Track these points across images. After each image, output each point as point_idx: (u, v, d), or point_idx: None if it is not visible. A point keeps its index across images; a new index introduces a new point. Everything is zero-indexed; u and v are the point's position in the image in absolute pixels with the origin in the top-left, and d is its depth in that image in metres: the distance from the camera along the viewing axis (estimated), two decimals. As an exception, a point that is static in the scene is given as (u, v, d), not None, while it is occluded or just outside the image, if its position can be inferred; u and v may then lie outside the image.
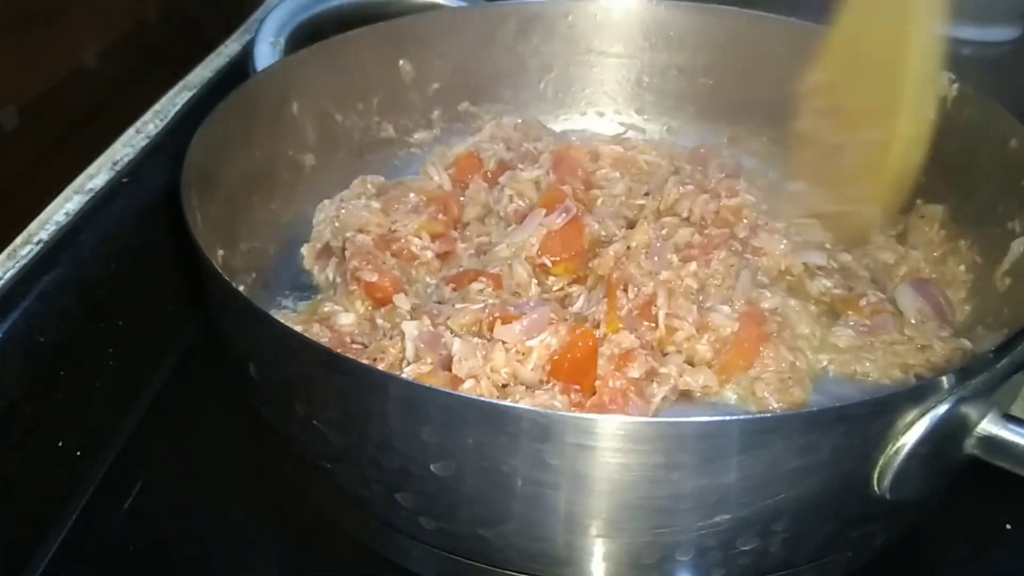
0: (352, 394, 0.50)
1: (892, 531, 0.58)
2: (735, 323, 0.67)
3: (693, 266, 0.71)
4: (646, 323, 0.67)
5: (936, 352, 0.67)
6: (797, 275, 0.74)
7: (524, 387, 0.62)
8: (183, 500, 0.65)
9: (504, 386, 0.62)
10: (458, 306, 0.66)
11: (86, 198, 0.72)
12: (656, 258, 0.71)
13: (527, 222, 0.76)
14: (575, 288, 0.73)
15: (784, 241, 0.75)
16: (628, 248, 0.73)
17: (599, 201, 0.82)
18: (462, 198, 0.82)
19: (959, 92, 0.76)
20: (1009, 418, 0.50)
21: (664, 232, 0.75)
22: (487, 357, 0.62)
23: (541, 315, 0.64)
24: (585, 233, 0.76)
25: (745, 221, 0.76)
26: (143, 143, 0.80)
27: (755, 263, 0.73)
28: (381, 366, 0.63)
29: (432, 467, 0.49)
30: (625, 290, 0.69)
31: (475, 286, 0.70)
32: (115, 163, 0.77)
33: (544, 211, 0.76)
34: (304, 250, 0.78)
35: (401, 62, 0.86)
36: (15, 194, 0.69)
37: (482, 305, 0.66)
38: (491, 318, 0.64)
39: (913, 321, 0.70)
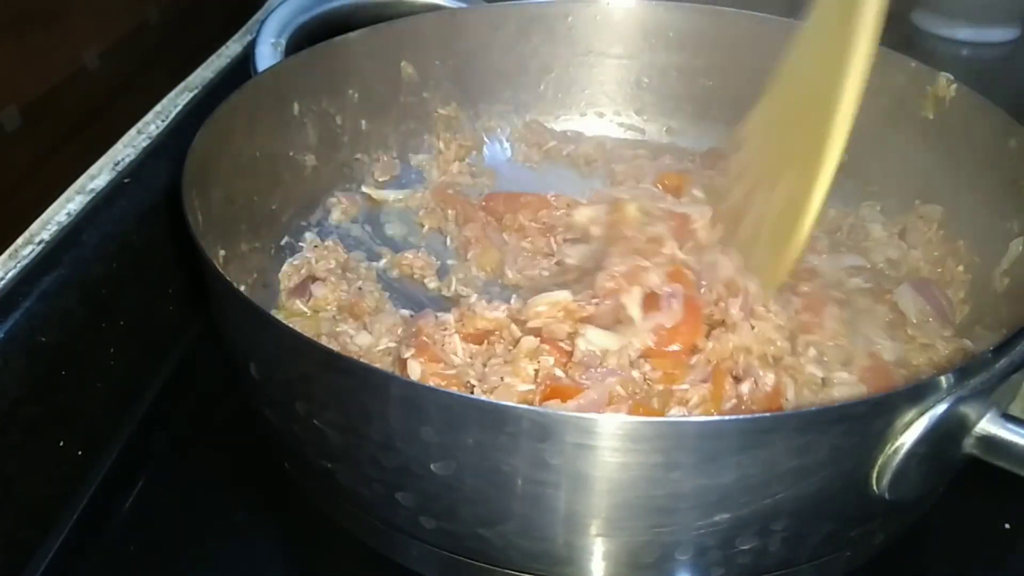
0: (352, 394, 0.50)
1: (891, 530, 0.59)
2: (861, 388, 0.61)
3: (812, 351, 0.62)
4: None
5: (939, 352, 0.67)
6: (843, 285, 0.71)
7: None
8: (183, 500, 0.65)
9: None
10: (507, 380, 0.58)
11: (88, 198, 0.72)
12: (779, 343, 0.62)
13: (635, 327, 0.62)
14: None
15: (826, 257, 0.72)
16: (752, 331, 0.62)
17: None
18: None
19: (957, 92, 0.76)
20: (1008, 418, 0.50)
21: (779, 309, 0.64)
22: None
23: (601, 394, 0.56)
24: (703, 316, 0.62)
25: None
26: (144, 144, 0.80)
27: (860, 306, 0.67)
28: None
29: (432, 467, 0.49)
30: (737, 380, 0.60)
31: (527, 343, 0.59)
32: (116, 163, 0.77)
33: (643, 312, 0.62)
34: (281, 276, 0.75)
35: (402, 63, 0.86)
36: (16, 194, 0.69)
37: (531, 388, 0.58)
38: (544, 387, 0.57)
39: (915, 321, 0.70)
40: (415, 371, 0.58)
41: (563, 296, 0.63)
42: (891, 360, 0.66)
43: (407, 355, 0.59)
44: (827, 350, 0.64)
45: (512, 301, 0.66)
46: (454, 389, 0.57)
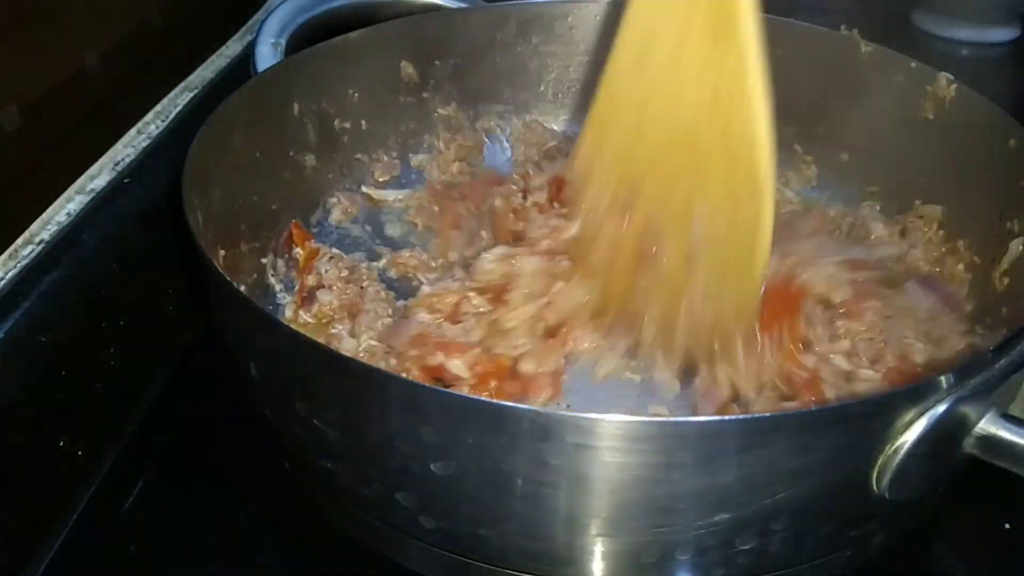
0: (352, 394, 0.50)
1: (891, 530, 0.59)
2: (884, 388, 0.62)
3: (847, 343, 0.63)
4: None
5: (956, 347, 0.66)
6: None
7: None
8: (183, 500, 0.65)
9: None
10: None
11: (88, 198, 0.72)
12: (819, 328, 0.63)
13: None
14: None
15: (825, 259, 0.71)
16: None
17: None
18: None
19: (957, 92, 0.76)
20: (1008, 418, 0.50)
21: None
22: None
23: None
24: None
25: None
26: (144, 144, 0.80)
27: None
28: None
29: (432, 466, 0.49)
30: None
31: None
32: (117, 163, 0.77)
33: None
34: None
35: (402, 63, 0.86)
36: (16, 194, 0.69)
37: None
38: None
39: (924, 317, 0.69)
40: (462, 371, 0.59)
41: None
42: (920, 362, 0.65)
43: (439, 361, 0.60)
44: (860, 343, 0.64)
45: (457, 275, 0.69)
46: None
